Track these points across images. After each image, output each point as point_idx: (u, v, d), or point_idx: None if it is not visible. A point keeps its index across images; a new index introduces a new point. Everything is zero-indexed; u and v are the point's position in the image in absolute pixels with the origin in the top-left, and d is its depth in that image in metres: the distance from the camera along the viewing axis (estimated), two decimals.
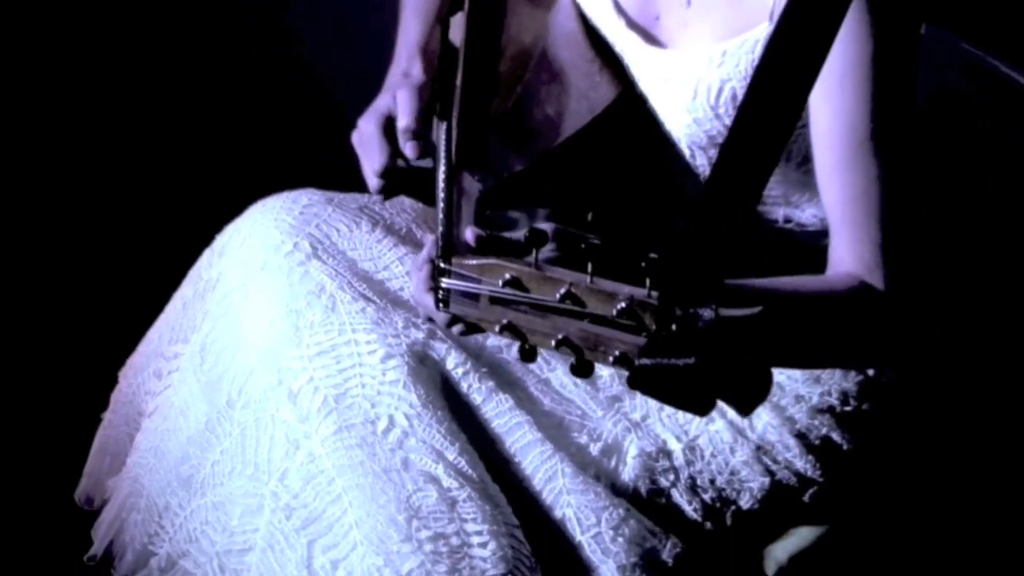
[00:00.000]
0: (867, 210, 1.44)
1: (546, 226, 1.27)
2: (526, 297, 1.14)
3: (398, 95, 1.58)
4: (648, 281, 1.06)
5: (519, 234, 1.19)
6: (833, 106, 1.44)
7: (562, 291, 1.11)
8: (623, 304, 1.07)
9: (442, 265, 1.22)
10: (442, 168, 1.43)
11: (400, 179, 1.60)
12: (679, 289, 1.02)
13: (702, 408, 1.05)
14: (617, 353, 1.09)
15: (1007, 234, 1.86)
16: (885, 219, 1.44)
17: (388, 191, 1.60)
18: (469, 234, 1.28)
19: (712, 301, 1.01)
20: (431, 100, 1.62)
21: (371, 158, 1.58)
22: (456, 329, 1.33)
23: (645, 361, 1.04)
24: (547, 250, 1.24)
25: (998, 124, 1.81)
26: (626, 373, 1.07)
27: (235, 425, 1.61)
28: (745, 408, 1.05)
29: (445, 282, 1.22)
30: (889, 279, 1.44)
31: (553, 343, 1.13)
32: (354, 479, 1.50)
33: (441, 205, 1.35)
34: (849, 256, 1.46)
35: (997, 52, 1.74)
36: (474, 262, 1.18)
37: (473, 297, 1.19)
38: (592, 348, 1.11)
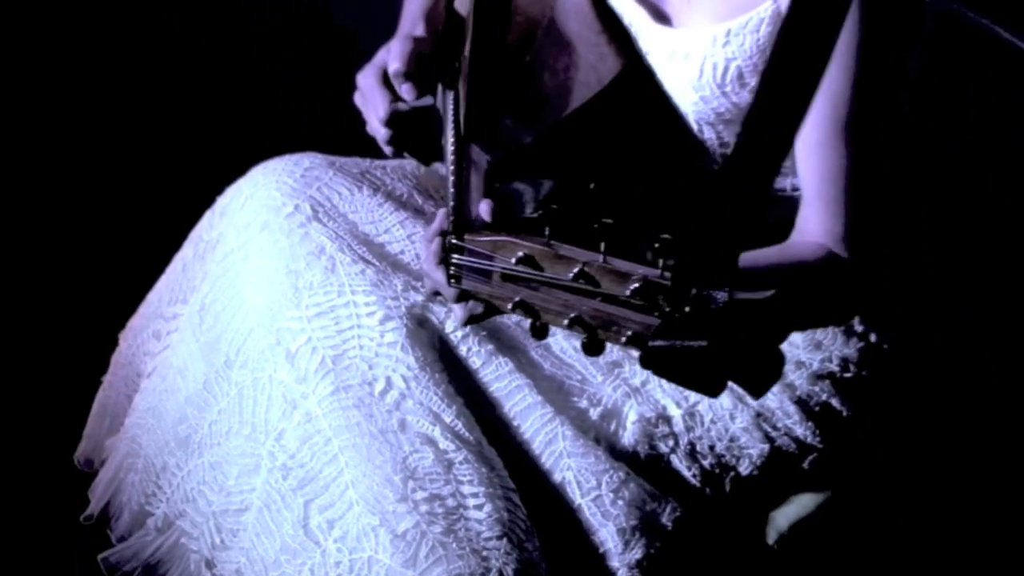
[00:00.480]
0: (841, 188, 1.48)
1: (558, 204, 1.27)
2: (540, 275, 1.13)
3: (391, 46, 1.57)
4: (661, 262, 1.06)
5: (531, 208, 1.19)
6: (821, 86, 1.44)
7: (576, 270, 1.10)
8: (636, 284, 1.07)
9: (454, 241, 1.21)
10: (451, 140, 1.43)
11: (405, 125, 1.58)
12: (693, 270, 1.02)
13: (713, 389, 1.05)
14: (630, 333, 1.09)
15: (1007, 231, 1.86)
16: (858, 198, 1.48)
17: (396, 141, 1.58)
18: (484, 207, 1.28)
19: (726, 283, 1.01)
20: (432, 57, 1.61)
21: (374, 108, 1.57)
22: (459, 313, 1.33)
23: (659, 342, 1.04)
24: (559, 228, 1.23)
25: (999, 98, 1.81)
26: (637, 352, 1.07)
27: (233, 385, 1.61)
28: (758, 390, 1.05)
29: (457, 258, 1.21)
30: (854, 250, 1.48)
31: (566, 322, 1.12)
32: (351, 439, 1.50)
33: (451, 179, 1.34)
34: (818, 227, 1.49)
35: (1000, 19, 1.73)
36: (487, 239, 1.17)
37: (485, 274, 1.19)
38: (604, 327, 1.11)
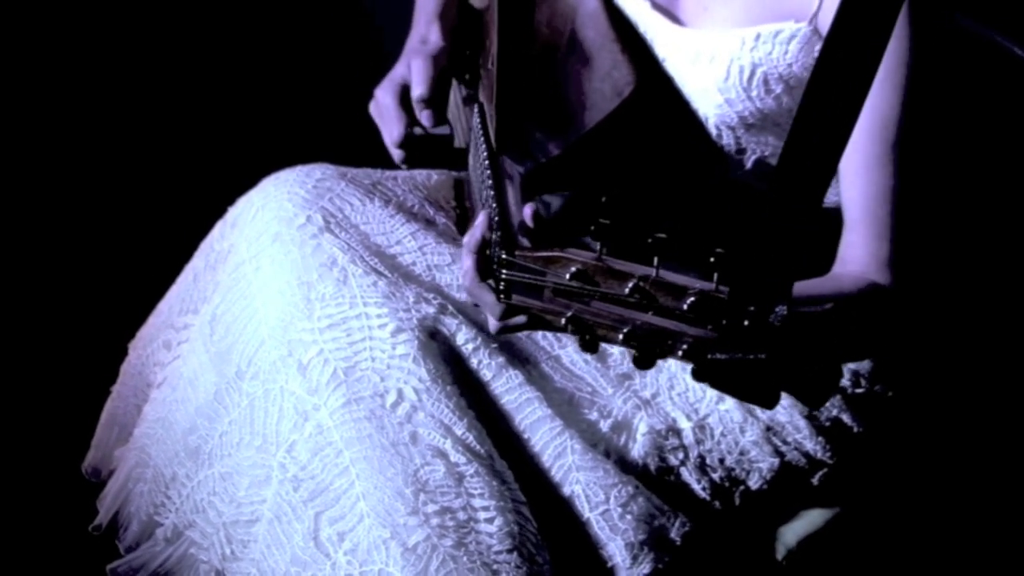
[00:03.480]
0: (889, 209, 1.47)
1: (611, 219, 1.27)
2: (595, 290, 1.13)
3: (412, 64, 1.58)
4: (716, 275, 1.06)
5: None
6: (869, 104, 1.44)
7: (631, 284, 1.10)
8: (693, 298, 1.07)
9: (504, 256, 1.21)
10: (483, 155, 1.43)
11: (420, 147, 1.60)
12: (751, 284, 1.02)
13: (768, 401, 1.06)
14: (685, 347, 1.08)
15: (1013, 243, 1.86)
16: (904, 218, 1.47)
17: (411, 160, 1.60)
18: (528, 211, 1.28)
19: (784, 297, 1.01)
20: (449, 65, 1.61)
21: (389, 129, 1.58)
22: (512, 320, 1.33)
23: (719, 355, 1.04)
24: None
25: (1006, 111, 1.81)
26: (691, 365, 1.07)
27: (244, 396, 1.61)
28: (816, 402, 1.05)
29: (507, 273, 1.20)
30: (898, 276, 1.48)
31: (620, 336, 1.11)
32: (362, 452, 1.50)
33: (490, 192, 1.34)
34: (863, 252, 1.48)
35: (1007, 32, 1.74)
36: (540, 254, 1.17)
37: (536, 289, 1.18)
38: (659, 341, 1.10)
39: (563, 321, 1.15)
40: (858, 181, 1.48)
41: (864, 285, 1.47)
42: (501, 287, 1.22)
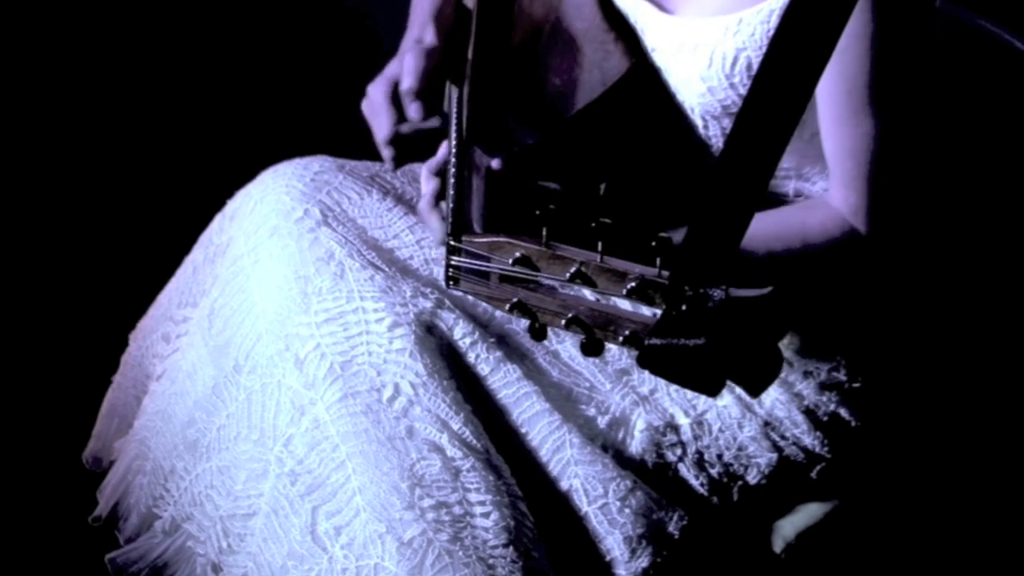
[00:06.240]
0: (858, 162, 1.50)
1: (556, 202, 1.27)
2: (537, 275, 1.13)
3: (405, 58, 1.57)
4: (658, 260, 1.05)
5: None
6: (833, 71, 1.46)
7: (572, 270, 1.10)
8: (633, 283, 1.07)
9: (452, 243, 1.21)
10: (453, 141, 1.43)
11: (410, 145, 1.59)
12: (689, 269, 1.02)
13: (711, 388, 1.05)
14: (627, 332, 1.09)
15: (1009, 234, 1.86)
16: (874, 172, 1.51)
17: (399, 159, 1.59)
18: (496, 163, 1.32)
19: (723, 281, 1.01)
20: (443, 65, 1.61)
21: (379, 124, 1.57)
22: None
23: (655, 341, 1.04)
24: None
25: (1008, 105, 1.80)
26: (635, 352, 1.07)
27: (241, 390, 1.61)
28: (755, 389, 1.05)
29: (455, 260, 1.21)
30: (870, 221, 1.53)
31: (563, 322, 1.12)
32: (358, 446, 1.50)
33: (451, 180, 1.34)
34: (837, 197, 1.54)
35: (1011, 27, 1.73)
36: (484, 240, 1.17)
37: (483, 275, 1.19)
38: (602, 327, 1.11)
39: (508, 307, 1.16)
40: (829, 137, 1.52)
41: (831, 222, 1.53)
42: (450, 273, 1.23)
